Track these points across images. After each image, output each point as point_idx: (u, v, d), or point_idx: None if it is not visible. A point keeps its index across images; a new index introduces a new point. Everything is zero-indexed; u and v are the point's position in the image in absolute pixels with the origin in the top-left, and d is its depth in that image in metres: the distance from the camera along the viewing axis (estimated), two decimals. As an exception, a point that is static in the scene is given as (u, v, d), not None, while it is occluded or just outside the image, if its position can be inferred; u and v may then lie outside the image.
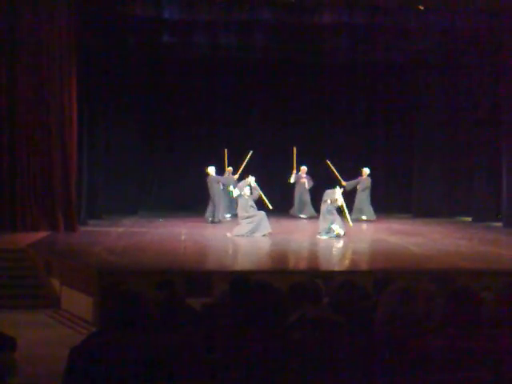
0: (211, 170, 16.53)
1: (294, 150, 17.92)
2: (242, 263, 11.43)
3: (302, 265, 11.28)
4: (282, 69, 19.08)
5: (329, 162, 17.56)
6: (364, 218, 17.36)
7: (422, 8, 14.71)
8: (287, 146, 18.11)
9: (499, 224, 16.69)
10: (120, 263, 10.42)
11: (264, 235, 13.76)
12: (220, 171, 17.21)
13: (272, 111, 19.88)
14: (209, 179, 16.48)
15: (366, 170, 17.78)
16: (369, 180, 17.76)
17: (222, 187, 16.71)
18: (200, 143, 19.53)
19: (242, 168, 17.12)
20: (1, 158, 13.66)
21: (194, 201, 18.54)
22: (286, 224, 16.47)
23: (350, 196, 17.08)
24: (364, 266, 11.01)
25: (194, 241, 13.16)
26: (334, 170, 17.45)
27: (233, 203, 16.70)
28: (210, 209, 16.44)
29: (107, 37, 15.98)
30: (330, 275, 9.06)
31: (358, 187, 17.68)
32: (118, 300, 3.39)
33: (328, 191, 14.10)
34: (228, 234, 13.94)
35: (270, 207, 15.34)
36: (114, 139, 17.93)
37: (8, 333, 4.82)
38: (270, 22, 15.62)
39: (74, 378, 3.18)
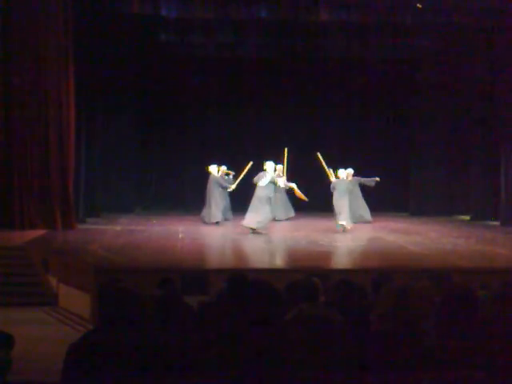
0: (213, 169, 15.83)
1: (286, 151, 16.22)
2: (240, 261, 11.43)
3: (300, 263, 11.27)
4: (279, 66, 19.08)
5: (319, 155, 15.53)
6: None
7: (420, 6, 14.72)
8: (282, 143, 17.75)
9: (497, 223, 16.70)
10: (117, 261, 10.41)
11: (261, 233, 13.77)
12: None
13: (268, 108, 19.81)
14: (210, 179, 15.76)
15: (350, 171, 16.08)
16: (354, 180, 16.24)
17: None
18: (197, 141, 19.50)
19: (240, 177, 15.81)
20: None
21: (192, 199, 18.49)
22: (282, 222, 16.48)
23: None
24: (361, 265, 11.00)
25: (192, 239, 13.16)
26: (324, 164, 15.42)
27: (226, 208, 16.32)
28: (206, 209, 15.84)
29: (104, 35, 15.97)
30: (327, 274, 9.06)
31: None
32: (115, 298, 3.39)
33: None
34: (243, 222, 13.73)
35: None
36: (112, 137, 17.93)
37: (5, 330, 4.81)
38: (267, 20, 15.63)
39: (71, 375, 3.19)
